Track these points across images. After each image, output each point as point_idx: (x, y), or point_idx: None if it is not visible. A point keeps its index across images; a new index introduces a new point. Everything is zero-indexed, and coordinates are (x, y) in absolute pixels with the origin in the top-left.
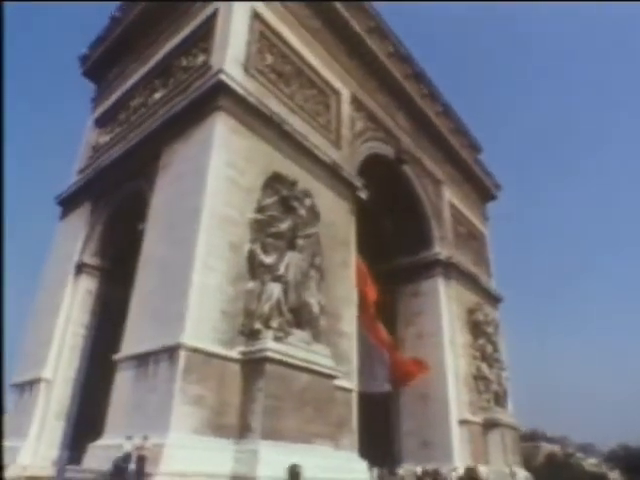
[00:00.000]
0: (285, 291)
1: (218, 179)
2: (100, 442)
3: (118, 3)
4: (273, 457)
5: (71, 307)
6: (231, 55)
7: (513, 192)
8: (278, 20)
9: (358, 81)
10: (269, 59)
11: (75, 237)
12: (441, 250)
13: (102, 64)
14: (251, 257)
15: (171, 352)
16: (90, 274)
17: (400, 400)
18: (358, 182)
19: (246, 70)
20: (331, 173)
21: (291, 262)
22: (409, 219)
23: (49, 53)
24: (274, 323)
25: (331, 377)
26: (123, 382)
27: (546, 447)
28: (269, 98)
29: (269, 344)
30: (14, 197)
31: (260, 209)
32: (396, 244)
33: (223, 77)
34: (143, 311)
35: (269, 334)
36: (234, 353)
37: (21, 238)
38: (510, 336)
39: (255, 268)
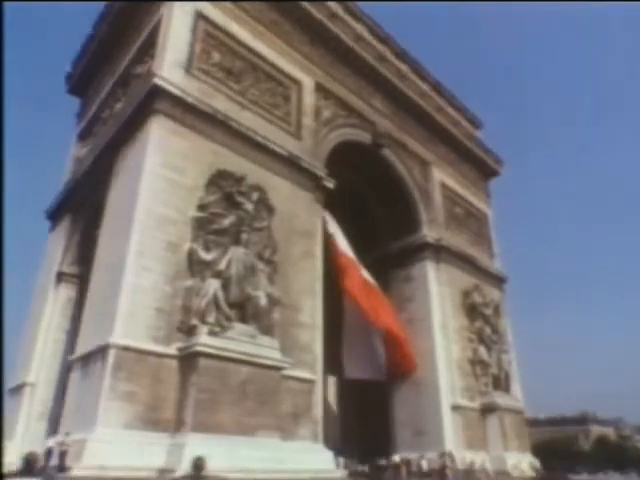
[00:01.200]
0: (225, 286)
1: (154, 180)
2: (51, 441)
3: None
4: (202, 450)
5: (52, 314)
6: (169, 58)
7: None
8: (226, 17)
9: (324, 69)
10: (216, 57)
11: (57, 248)
12: (429, 233)
13: (83, 80)
14: (191, 255)
15: (103, 352)
16: (69, 282)
17: (395, 388)
18: (321, 172)
19: (187, 71)
20: (289, 165)
21: (234, 257)
22: (396, 203)
23: (50, 54)
24: (210, 318)
25: (277, 369)
26: (72, 382)
27: (597, 430)
28: (215, 96)
29: (202, 339)
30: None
31: (202, 207)
32: (386, 229)
33: (157, 81)
34: (90, 313)
35: (204, 329)
36: (171, 350)
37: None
38: (550, 317)
39: (195, 265)
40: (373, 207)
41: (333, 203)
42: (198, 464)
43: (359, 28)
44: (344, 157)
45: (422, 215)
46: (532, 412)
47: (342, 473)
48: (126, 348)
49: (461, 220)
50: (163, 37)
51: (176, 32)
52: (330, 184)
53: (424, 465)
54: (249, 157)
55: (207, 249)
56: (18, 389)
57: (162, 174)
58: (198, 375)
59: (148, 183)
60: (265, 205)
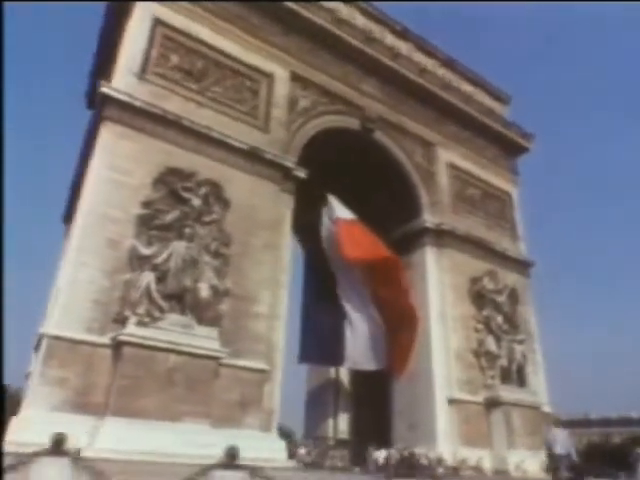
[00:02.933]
0: (162, 279)
1: (99, 183)
2: None
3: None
4: (118, 432)
5: None
6: (122, 67)
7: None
8: (187, 19)
9: (302, 57)
10: (174, 60)
11: None
12: (430, 217)
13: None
14: (132, 251)
15: (40, 341)
16: None
17: (392, 379)
18: (289, 162)
19: (140, 77)
20: (251, 158)
21: (175, 251)
22: (396, 189)
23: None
24: (140, 309)
25: (211, 358)
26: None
27: None
28: (169, 97)
29: (127, 329)
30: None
31: (147, 204)
32: (389, 216)
33: (104, 90)
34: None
35: (133, 320)
36: (105, 339)
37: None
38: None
39: (135, 260)
40: (374, 194)
41: (335, 190)
42: (57, 440)
43: (344, 11)
44: (337, 144)
45: (423, 199)
46: (581, 411)
47: (287, 463)
48: (57, 337)
49: (475, 202)
50: (121, 46)
51: (132, 40)
52: (301, 174)
53: (380, 460)
54: (205, 154)
55: (149, 244)
56: None
57: (106, 176)
58: (122, 362)
59: (91, 186)
60: (219, 199)
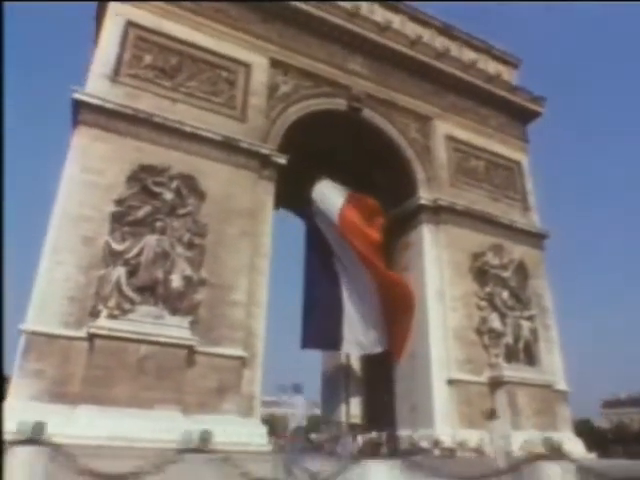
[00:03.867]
0: (134, 272)
1: (72, 184)
2: None
3: None
4: (90, 419)
5: None
6: (95, 71)
7: None
8: (161, 18)
9: (283, 43)
10: (148, 59)
11: None
12: (425, 194)
13: None
14: (105, 247)
15: (19, 336)
16: None
17: (395, 361)
18: (267, 150)
19: (113, 80)
20: (227, 149)
21: (147, 245)
22: (392, 167)
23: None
24: (111, 303)
25: (181, 346)
26: None
27: None
28: (141, 97)
29: (98, 322)
30: None
31: (120, 202)
32: (388, 195)
33: (76, 95)
34: None
35: (104, 313)
36: (81, 333)
37: None
38: None
39: (109, 256)
40: (372, 173)
41: (334, 171)
42: (36, 428)
43: None
44: (328, 126)
45: (418, 175)
46: (610, 391)
47: (266, 448)
48: (34, 333)
49: (479, 173)
50: (97, 50)
51: (105, 44)
52: (281, 160)
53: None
54: (179, 148)
55: (123, 240)
56: None
57: (79, 178)
58: (94, 354)
59: (65, 188)
60: (194, 191)
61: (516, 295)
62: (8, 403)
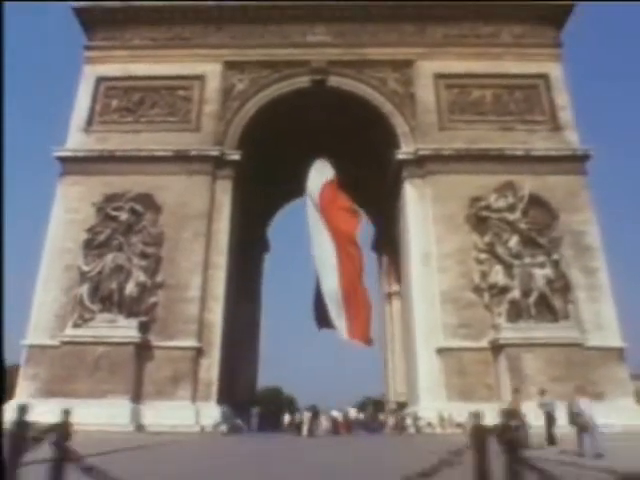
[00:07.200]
0: (96, 287)
1: (58, 224)
2: None
3: None
4: (56, 409)
5: None
6: (73, 126)
7: None
8: (125, 64)
9: (235, 44)
10: (114, 104)
11: None
12: (405, 147)
13: None
14: (77, 270)
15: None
16: None
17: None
18: (214, 152)
19: (86, 130)
20: (180, 160)
21: (106, 262)
22: (376, 126)
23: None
24: (75, 315)
25: (130, 344)
26: None
27: None
28: (109, 138)
29: (65, 331)
30: None
31: (89, 231)
32: (382, 157)
33: (55, 154)
34: None
35: (70, 324)
36: (57, 342)
37: None
38: None
39: (79, 277)
40: (366, 139)
41: (333, 150)
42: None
43: None
44: (299, 108)
45: (398, 129)
46: None
47: (220, 428)
48: (31, 345)
49: (485, 104)
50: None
51: (79, 101)
52: (235, 156)
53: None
54: (140, 172)
55: (91, 262)
56: None
57: (62, 218)
58: (62, 357)
59: (53, 227)
60: (151, 207)
61: (531, 239)
62: (13, 401)
